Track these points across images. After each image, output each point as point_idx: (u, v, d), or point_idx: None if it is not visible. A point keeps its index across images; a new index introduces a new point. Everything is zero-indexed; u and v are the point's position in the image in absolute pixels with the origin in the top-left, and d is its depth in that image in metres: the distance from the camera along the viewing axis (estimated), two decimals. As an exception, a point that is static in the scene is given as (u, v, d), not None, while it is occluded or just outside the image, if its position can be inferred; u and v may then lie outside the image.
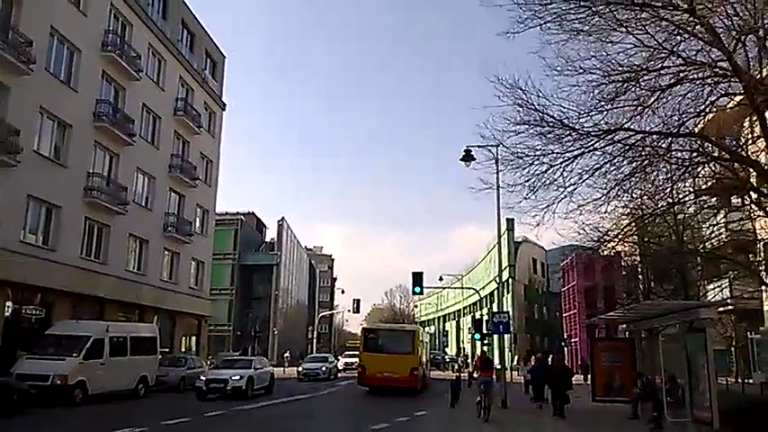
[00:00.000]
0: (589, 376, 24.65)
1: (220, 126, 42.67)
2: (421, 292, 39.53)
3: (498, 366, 27.62)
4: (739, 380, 27.54)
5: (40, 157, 24.08)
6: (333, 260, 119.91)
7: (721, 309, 23.86)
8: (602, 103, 13.10)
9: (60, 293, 24.64)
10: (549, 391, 20.10)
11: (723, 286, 24.28)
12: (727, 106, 14.67)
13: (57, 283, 24.23)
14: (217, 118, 42.06)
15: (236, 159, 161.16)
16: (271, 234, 72.73)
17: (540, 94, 13.47)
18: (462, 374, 31.57)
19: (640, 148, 13.78)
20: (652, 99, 12.94)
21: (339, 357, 53.00)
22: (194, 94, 38.02)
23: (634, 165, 13.99)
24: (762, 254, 17.80)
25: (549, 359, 25.80)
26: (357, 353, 52.27)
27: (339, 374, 41.34)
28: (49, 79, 24.53)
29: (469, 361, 53.98)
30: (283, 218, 68.87)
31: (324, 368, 38.14)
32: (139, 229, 31.43)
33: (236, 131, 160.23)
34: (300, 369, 38.41)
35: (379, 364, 26.03)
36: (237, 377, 23.12)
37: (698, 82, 12.90)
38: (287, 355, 52.59)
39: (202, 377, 23.71)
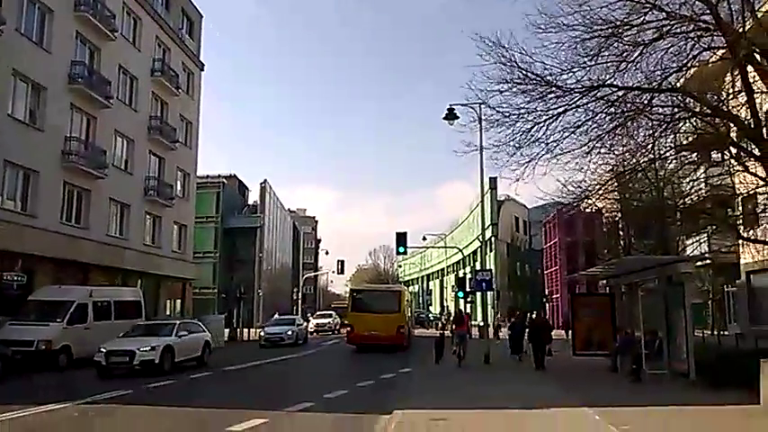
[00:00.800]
0: (570, 332, 25.35)
1: (199, 87, 41.91)
2: (405, 252, 39.69)
3: (481, 324, 28.13)
4: (715, 332, 28.24)
5: (15, 121, 23.57)
6: (316, 222, 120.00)
7: (699, 263, 24.29)
8: (585, 60, 13.08)
9: (42, 259, 24.41)
10: (529, 345, 20.73)
11: (701, 241, 24.66)
12: (710, 61, 14.66)
13: (38, 248, 23.97)
14: (195, 78, 41.28)
15: (218, 122, 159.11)
16: (253, 197, 72.25)
17: (524, 52, 13.41)
18: (446, 332, 32.01)
19: (622, 104, 13.81)
20: (635, 54, 12.91)
21: (310, 318, 52.04)
22: (171, 54, 37.18)
23: (616, 121, 14.03)
24: (740, 208, 18.03)
25: (533, 315, 26.66)
26: (330, 313, 52.73)
27: (310, 338, 40.83)
28: (22, 41, 23.83)
29: (452, 318, 54.78)
30: (266, 180, 68.34)
31: (290, 332, 33.64)
32: (120, 193, 31.08)
33: (215, 92, 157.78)
34: (262, 334, 33.86)
35: (367, 324, 27.02)
36: (148, 348, 18.11)
37: (680, 36, 12.85)
38: (276, 316, 52.78)
39: (102, 348, 18.04)
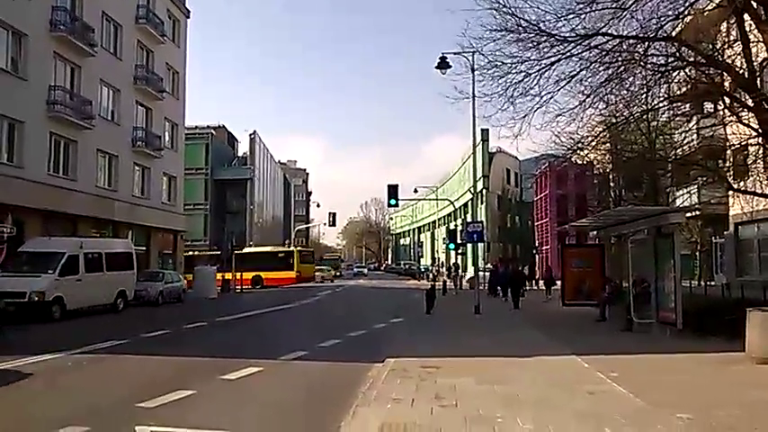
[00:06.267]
0: (557, 284, 26.32)
1: (185, 35, 40.91)
2: (396, 205, 39.87)
3: (471, 274, 28.60)
4: (702, 282, 28.63)
5: (-3, 69, 23.01)
6: (307, 174, 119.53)
7: (689, 214, 24.43)
8: (581, 6, 12.77)
9: (31, 211, 24.18)
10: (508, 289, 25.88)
11: (692, 192, 24.77)
12: (706, 9, 14.41)
13: (26, 200, 23.73)
14: (181, 26, 40.25)
15: (206, 71, 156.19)
16: (243, 148, 71.72)
17: (518, -3, 13.12)
18: (437, 283, 32.30)
19: (617, 54, 13.58)
20: (631, 1, 12.61)
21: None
22: (156, 0, 36.14)
23: (610, 71, 13.84)
24: (731, 160, 18.02)
25: (520, 267, 29.77)
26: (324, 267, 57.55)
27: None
28: (-2, -16, 23.04)
29: (443, 270, 55.31)
30: (255, 131, 67.70)
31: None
32: (107, 143, 30.66)
33: (203, 42, 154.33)
34: None
35: None
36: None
37: (678, -18, 12.57)
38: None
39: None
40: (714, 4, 14.11)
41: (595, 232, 22.83)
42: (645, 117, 18.51)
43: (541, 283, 37.84)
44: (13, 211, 23.35)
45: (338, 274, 71.63)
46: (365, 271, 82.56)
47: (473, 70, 17.49)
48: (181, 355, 12.45)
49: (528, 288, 32.45)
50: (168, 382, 9.08)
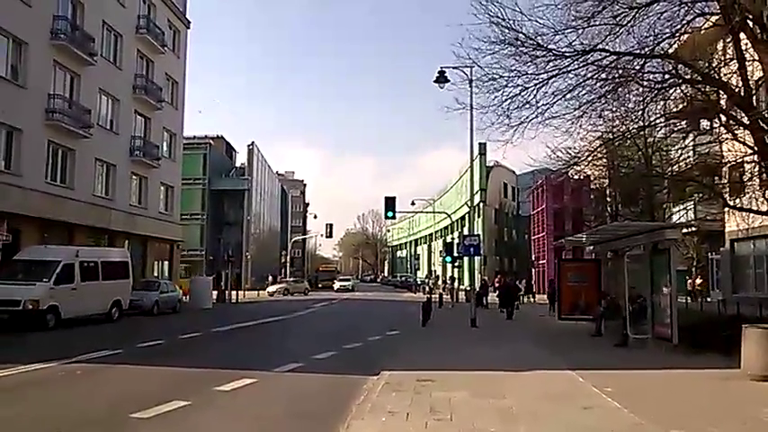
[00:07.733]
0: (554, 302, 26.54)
1: (185, 45, 41.07)
2: (393, 217, 39.84)
3: (468, 288, 28.63)
4: (698, 299, 28.66)
5: (-3, 77, 23.05)
6: (305, 185, 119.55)
7: (685, 230, 24.52)
8: (579, 22, 12.89)
9: (27, 219, 24.13)
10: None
11: (688, 209, 24.87)
12: (702, 27, 14.56)
13: (23, 208, 23.67)
14: (181, 36, 40.41)
15: (206, 82, 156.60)
16: (241, 159, 71.70)
17: (517, 9, 13.22)
18: (433, 296, 32.22)
19: (614, 70, 13.69)
20: (628, 18, 12.73)
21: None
22: (156, 10, 36.30)
23: (607, 87, 13.94)
24: (727, 176, 18.12)
25: (521, 282, 30.32)
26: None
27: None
28: (0, -7, 23.12)
29: (440, 282, 55.26)
30: (253, 142, 67.69)
31: None
32: (105, 153, 30.66)
33: (203, 52, 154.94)
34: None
35: None
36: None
37: (675, 0, 12.71)
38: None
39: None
40: (711, 23, 14.26)
41: (592, 247, 22.85)
42: (641, 133, 18.59)
43: (536, 295, 38.26)
44: (9, 219, 23.37)
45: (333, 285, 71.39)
46: (350, 285, 68.88)
47: (471, 83, 17.66)
48: (175, 365, 12.40)
49: (524, 302, 33.28)
50: (163, 393, 9.04)
